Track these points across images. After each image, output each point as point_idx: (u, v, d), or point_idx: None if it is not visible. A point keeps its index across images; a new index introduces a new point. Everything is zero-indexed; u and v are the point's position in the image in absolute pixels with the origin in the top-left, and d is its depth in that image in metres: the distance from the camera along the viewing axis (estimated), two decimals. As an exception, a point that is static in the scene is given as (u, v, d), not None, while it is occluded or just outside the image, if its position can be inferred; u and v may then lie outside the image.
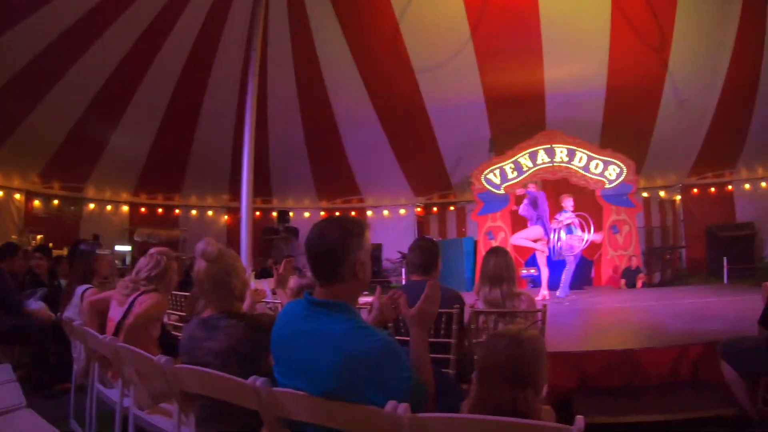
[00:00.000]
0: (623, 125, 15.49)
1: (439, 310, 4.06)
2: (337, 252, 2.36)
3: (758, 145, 15.92)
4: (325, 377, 2.21)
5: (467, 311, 4.34)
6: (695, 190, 17.72)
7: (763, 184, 17.08)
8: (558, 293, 10.82)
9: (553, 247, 10.86)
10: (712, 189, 17.57)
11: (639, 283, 12.83)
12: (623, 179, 13.89)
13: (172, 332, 5.37)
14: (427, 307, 2.61)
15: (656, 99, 15.17)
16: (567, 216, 10.89)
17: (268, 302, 5.45)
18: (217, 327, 2.88)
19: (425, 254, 4.42)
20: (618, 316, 8.96)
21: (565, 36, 13.99)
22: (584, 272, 14.13)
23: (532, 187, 11.52)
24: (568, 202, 11.04)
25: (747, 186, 17.13)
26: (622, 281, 13.01)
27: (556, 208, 11.58)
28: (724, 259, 13.66)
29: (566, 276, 10.93)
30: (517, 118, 15.43)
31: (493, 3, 13.45)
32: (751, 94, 14.67)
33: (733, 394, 4.63)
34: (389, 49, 14.45)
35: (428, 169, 17.90)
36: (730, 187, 17.37)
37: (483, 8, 13.55)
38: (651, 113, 15.54)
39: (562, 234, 10.80)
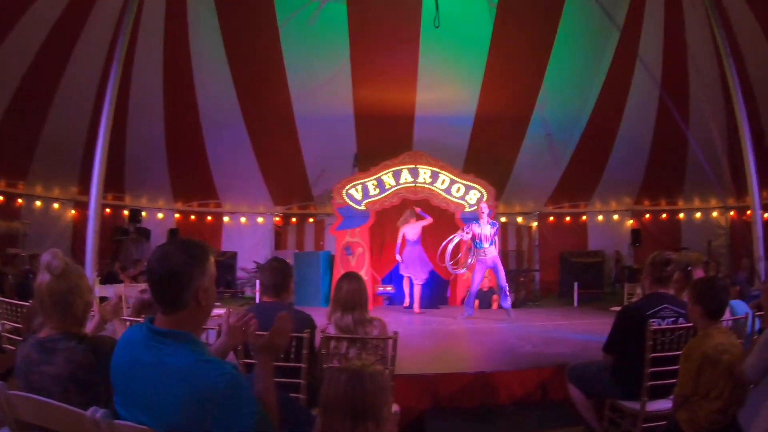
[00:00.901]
0: (487, 153, 16.20)
1: (292, 334, 4.05)
2: (180, 278, 2.28)
3: (613, 181, 17.44)
4: (168, 412, 2.14)
5: (318, 335, 4.33)
6: (551, 218, 18.88)
7: (615, 216, 18.65)
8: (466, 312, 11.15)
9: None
10: (568, 218, 18.83)
11: (494, 305, 13.24)
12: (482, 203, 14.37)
13: (5, 345, 4.96)
14: (277, 340, 2.62)
15: (522, 131, 16.18)
16: (469, 230, 11.04)
17: None
18: (55, 350, 2.70)
19: (276, 275, 4.39)
20: (471, 338, 9.26)
21: (442, 62, 14.58)
22: (440, 292, 14.49)
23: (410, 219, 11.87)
24: (484, 208, 11.20)
25: (600, 217, 18.69)
26: (476, 302, 13.37)
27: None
28: (575, 283, 14.47)
29: (470, 295, 11.26)
30: (385, 136, 15.68)
31: (375, 20, 13.76)
32: (611, 135, 16.13)
33: (581, 414, 4.93)
34: (265, 52, 14.34)
35: (290, 179, 17.75)
36: (584, 217, 18.78)
37: (364, 26, 13.85)
38: (515, 144, 16.50)
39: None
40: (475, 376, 5.96)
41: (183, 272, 2.27)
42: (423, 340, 8.78)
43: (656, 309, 4.49)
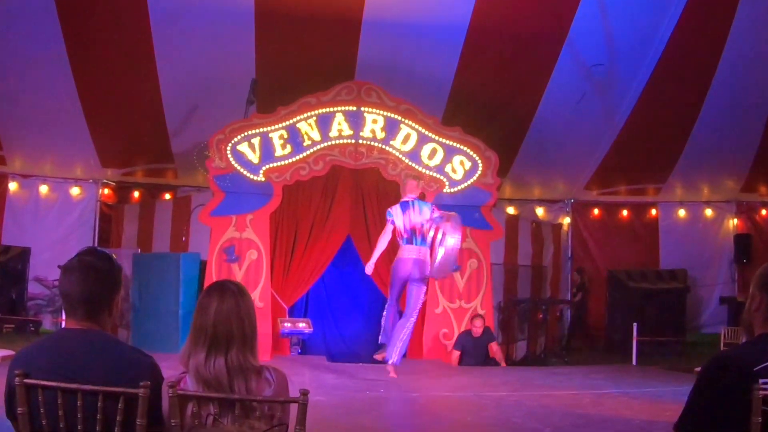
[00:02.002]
0: (487, 91, 16.14)
1: (118, 390, 3.85)
2: None
3: (705, 153, 17.25)
4: None
5: (167, 393, 4.11)
6: (596, 210, 18.73)
7: (708, 211, 18.72)
8: (387, 356, 10.87)
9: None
10: (624, 212, 18.67)
11: (500, 360, 13.20)
12: (475, 180, 14.32)
13: None
14: None
15: (550, 59, 15.91)
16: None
17: None
18: None
19: (91, 280, 4.07)
20: (448, 412, 9.27)
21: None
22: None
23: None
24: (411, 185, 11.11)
25: (682, 212, 18.59)
26: (456, 354, 13.28)
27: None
28: (634, 325, 14.14)
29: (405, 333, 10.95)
30: (308, 53, 15.61)
31: None
32: (706, 76, 15.89)
33: None
34: None
35: (134, 122, 17.48)
36: (653, 211, 18.66)
37: None
38: (537, 81, 16.33)
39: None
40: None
41: None
42: (361, 414, 8.70)
43: (770, 362, 4.41)
